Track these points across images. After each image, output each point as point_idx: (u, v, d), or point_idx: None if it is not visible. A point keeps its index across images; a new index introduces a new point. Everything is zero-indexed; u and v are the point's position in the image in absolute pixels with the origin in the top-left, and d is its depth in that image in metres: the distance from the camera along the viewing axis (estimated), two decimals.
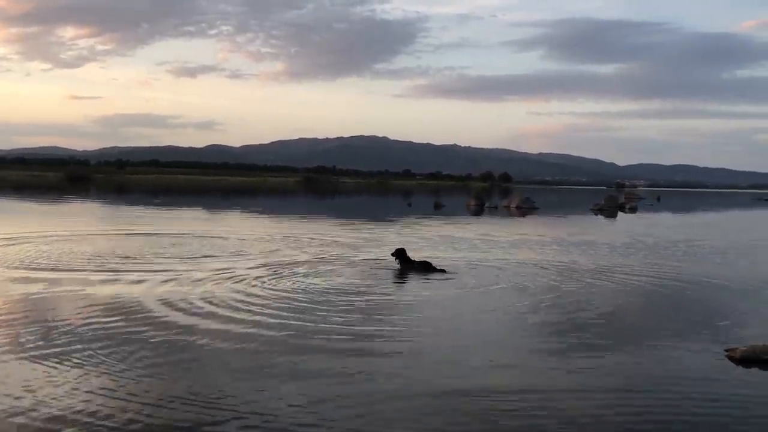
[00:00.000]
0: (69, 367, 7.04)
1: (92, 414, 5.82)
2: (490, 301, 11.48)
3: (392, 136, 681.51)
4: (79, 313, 9.58)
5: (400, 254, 15.06)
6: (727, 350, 8.32)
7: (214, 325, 9.07)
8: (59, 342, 8.02)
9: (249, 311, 9.99)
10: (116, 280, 12.51)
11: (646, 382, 7.20)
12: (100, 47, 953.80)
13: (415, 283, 13.29)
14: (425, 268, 14.52)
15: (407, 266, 14.73)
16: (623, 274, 15.07)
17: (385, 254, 16.45)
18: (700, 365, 7.91)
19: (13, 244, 17.05)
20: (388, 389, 6.73)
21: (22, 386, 6.42)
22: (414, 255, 15.36)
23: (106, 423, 5.64)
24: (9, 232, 19.89)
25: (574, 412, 6.24)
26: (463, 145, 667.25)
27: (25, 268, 13.43)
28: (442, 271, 14.39)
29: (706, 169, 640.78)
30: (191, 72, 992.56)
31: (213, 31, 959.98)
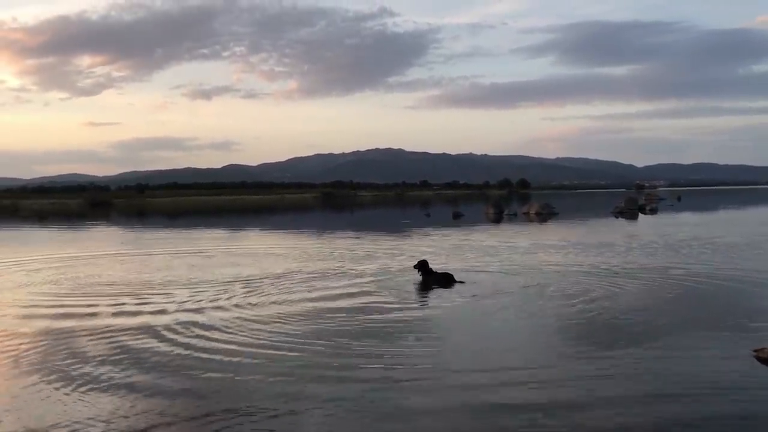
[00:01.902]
0: (92, 390, 7.17)
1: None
2: (513, 310, 11.47)
3: (408, 148, 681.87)
4: (110, 335, 9.74)
5: (422, 266, 15.10)
6: (755, 350, 8.24)
7: (240, 347, 9.17)
8: (84, 363, 8.19)
9: (273, 328, 10.10)
10: (142, 303, 12.68)
11: (673, 385, 7.17)
12: (116, 74, 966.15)
13: (437, 295, 13.32)
14: (447, 279, 14.54)
15: (429, 278, 14.77)
16: (647, 275, 14.98)
17: (406, 265, 16.52)
18: (727, 366, 7.84)
19: (52, 267, 17.43)
20: (415, 406, 6.77)
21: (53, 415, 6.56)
22: (435, 266, 15.37)
23: None
24: (41, 257, 20.23)
25: (603, 423, 6.24)
26: (479, 154, 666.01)
27: (74, 291, 13.73)
28: (461, 282, 14.42)
29: (726, 167, 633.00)
30: (206, 94, 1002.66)
31: (226, 53, 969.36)
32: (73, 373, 7.92)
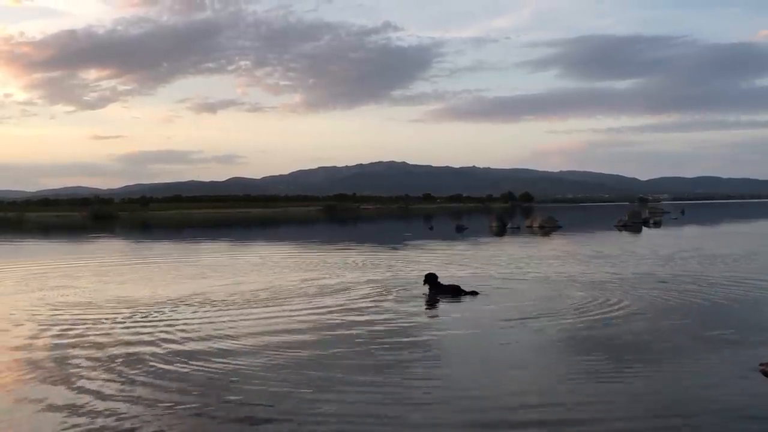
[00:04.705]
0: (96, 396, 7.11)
1: None
2: (520, 323, 11.38)
3: (411, 161, 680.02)
4: (122, 342, 9.68)
5: (430, 279, 15.04)
6: (761, 365, 8.15)
7: (249, 354, 9.12)
8: (88, 369, 8.12)
9: (282, 339, 10.04)
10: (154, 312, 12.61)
11: (680, 400, 7.11)
12: (121, 87, 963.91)
13: (445, 308, 13.25)
14: (455, 291, 14.48)
15: (437, 291, 14.69)
16: (652, 288, 14.89)
17: (413, 278, 16.48)
18: (735, 381, 7.76)
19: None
20: (418, 422, 6.70)
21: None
22: (441, 277, 15.26)
23: None
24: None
25: None
26: (482, 167, 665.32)
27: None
28: (473, 293, 14.38)
29: (729, 180, 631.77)
30: (211, 107, 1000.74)
31: (232, 67, 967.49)
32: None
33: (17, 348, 10.04)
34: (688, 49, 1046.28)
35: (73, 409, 6.96)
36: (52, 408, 7.04)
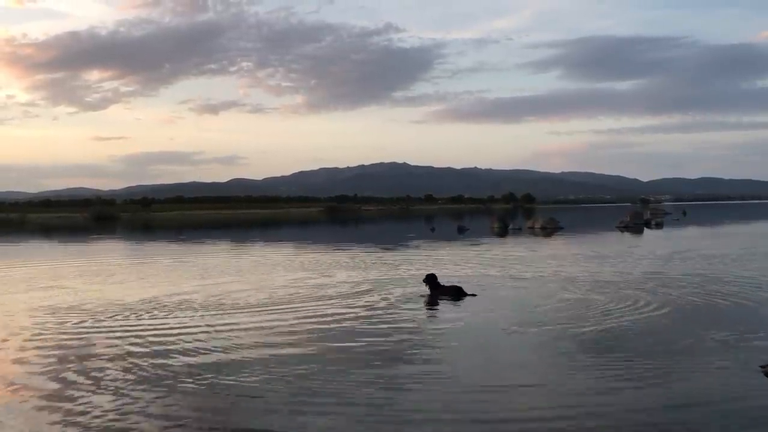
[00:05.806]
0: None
1: None
2: (521, 325, 11.36)
3: (413, 162, 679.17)
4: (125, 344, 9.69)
5: (430, 280, 15.02)
6: (762, 366, 8.16)
7: (252, 354, 9.13)
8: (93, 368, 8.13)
9: (279, 341, 10.05)
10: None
11: (680, 401, 7.11)
12: (124, 89, 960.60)
13: (445, 309, 13.25)
14: (456, 292, 14.47)
15: (437, 292, 14.67)
16: (653, 289, 14.86)
17: (414, 279, 16.49)
18: (736, 382, 7.77)
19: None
20: (417, 418, 6.73)
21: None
22: (443, 279, 15.26)
23: None
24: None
25: None
26: (483, 168, 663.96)
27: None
28: (473, 295, 14.36)
29: (731, 181, 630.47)
30: (213, 109, 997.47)
31: (234, 68, 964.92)
32: None
33: None
34: (689, 50, 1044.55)
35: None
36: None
